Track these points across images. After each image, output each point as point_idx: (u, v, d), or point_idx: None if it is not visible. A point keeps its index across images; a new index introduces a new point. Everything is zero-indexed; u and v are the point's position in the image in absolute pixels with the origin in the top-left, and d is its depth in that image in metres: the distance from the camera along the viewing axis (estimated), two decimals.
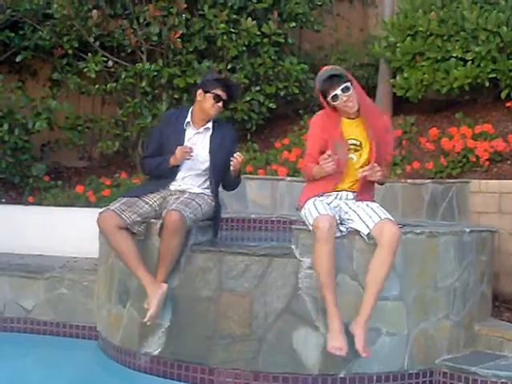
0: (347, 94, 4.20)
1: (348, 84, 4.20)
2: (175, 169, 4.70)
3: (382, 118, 4.39)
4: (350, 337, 4.04)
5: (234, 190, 4.99)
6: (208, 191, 4.73)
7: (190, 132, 4.77)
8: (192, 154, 4.59)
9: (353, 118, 4.33)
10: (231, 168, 4.58)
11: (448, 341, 4.48)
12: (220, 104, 4.72)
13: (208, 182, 4.75)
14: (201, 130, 4.77)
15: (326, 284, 3.99)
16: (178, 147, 4.59)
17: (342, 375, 4.20)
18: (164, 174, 4.72)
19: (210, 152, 4.72)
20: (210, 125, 4.78)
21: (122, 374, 4.62)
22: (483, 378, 4.15)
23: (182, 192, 4.66)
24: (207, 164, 4.70)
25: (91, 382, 4.60)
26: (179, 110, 4.96)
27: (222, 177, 4.75)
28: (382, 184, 4.43)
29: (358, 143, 4.30)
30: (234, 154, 4.56)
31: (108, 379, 4.65)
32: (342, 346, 3.97)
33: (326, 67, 4.35)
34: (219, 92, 4.71)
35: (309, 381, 4.20)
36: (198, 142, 4.75)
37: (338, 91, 4.19)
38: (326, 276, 3.98)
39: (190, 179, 4.73)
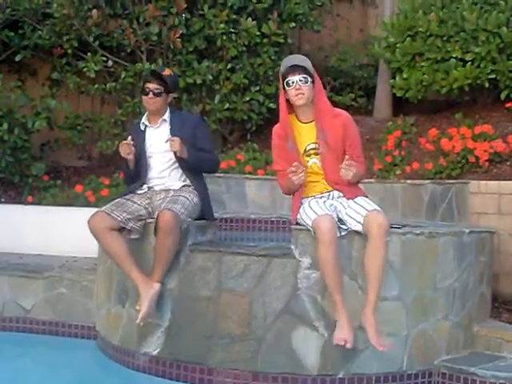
0: (302, 84, 4.17)
1: (308, 77, 4.19)
2: (141, 168, 4.75)
3: (337, 118, 4.30)
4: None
5: (212, 171, 4.96)
6: (188, 182, 4.74)
7: (149, 131, 4.83)
8: (132, 142, 4.61)
9: (308, 122, 4.31)
10: (172, 149, 4.59)
11: (447, 341, 4.48)
12: (150, 96, 4.72)
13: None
14: (157, 124, 4.81)
15: (333, 285, 3.99)
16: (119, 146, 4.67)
17: (340, 375, 4.19)
18: (133, 175, 4.78)
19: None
20: (166, 117, 4.81)
21: (120, 374, 4.61)
22: (482, 378, 4.15)
23: (167, 191, 4.68)
24: (172, 154, 4.69)
25: (90, 382, 4.59)
26: (139, 120, 5.02)
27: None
28: (357, 182, 4.38)
29: (316, 146, 4.30)
30: (168, 137, 4.60)
31: (107, 379, 4.64)
32: (348, 339, 3.97)
33: (297, 55, 4.40)
34: (147, 85, 4.74)
35: (308, 381, 4.19)
36: (156, 135, 4.78)
37: (295, 78, 4.18)
38: (333, 277, 3.98)
39: (168, 175, 4.75)
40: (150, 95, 4.72)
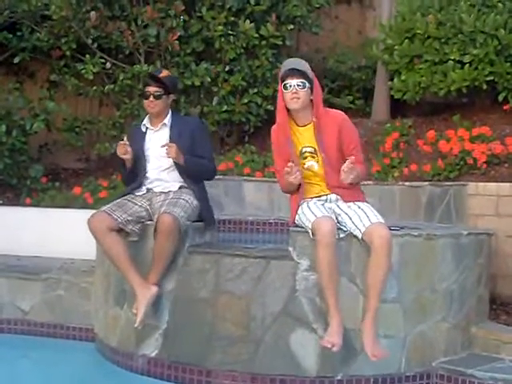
0: (299, 89, 4.19)
1: (305, 82, 4.20)
2: (140, 170, 4.76)
3: (333, 120, 4.31)
4: (346, 339, 4.04)
5: (208, 179, 4.96)
6: (186, 184, 4.75)
7: (149, 133, 4.84)
8: (127, 143, 4.62)
9: (304, 125, 4.32)
10: (168, 156, 4.59)
11: (445, 343, 4.49)
12: (150, 99, 4.73)
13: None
14: (157, 127, 4.81)
15: (329, 287, 4.00)
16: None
17: (339, 377, 4.20)
18: (129, 176, 4.80)
19: None
20: (166, 121, 4.82)
21: (118, 376, 4.61)
22: (480, 380, 4.16)
23: (166, 193, 4.68)
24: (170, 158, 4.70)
25: None
26: (140, 122, 5.02)
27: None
28: (358, 183, 4.38)
29: (312, 150, 4.31)
30: (165, 144, 4.60)
31: (105, 381, 4.63)
32: (336, 343, 3.96)
33: (297, 59, 4.40)
34: (147, 89, 4.76)
35: (306, 383, 4.20)
36: (156, 138, 4.78)
37: (293, 82, 4.19)
38: (328, 280, 3.99)
39: (167, 177, 4.75)
40: (151, 98, 4.73)
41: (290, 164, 4.10)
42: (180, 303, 4.45)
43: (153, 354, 4.51)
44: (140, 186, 4.77)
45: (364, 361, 4.13)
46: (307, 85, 4.20)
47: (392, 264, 4.10)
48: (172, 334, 4.45)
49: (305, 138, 4.32)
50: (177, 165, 4.67)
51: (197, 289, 4.39)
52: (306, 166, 4.31)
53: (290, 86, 4.19)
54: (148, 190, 4.75)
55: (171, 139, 4.69)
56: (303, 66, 4.26)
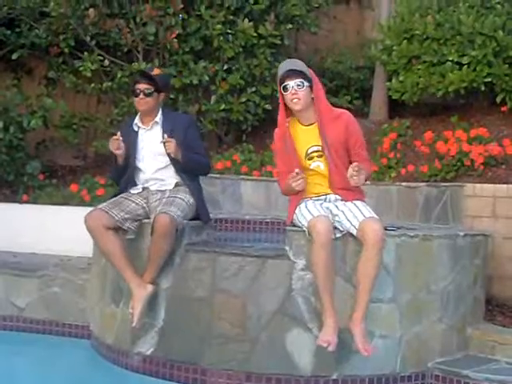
0: (298, 89, 4.18)
1: (304, 82, 4.19)
2: (134, 169, 4.75)
3: (339, 118, 4.29)
4: (342, 338, 4.05)
5: (204, 174, 4.98)
6: (181, 181, 4.73)
7: (141, 132, 4.81)
8: (121, 138, 4.59)
9: (309, 125, 4.31)
10: (167, 151, 4.58)
11: (441, 344, 4.49)
12: (141, 97, 4.71)
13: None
14: (149, 126, 4.79)
15: (324, 286, 3.99)
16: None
17: (334, 377, 4.20)
18: (120, 172, 4.78)
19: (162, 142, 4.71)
20: (158, 119, 4.79)
21: (114, 374, 4.61)
22: (475, 381, 4.15)
23: (163, 192, 4.67)
24: (165, 156, 4.68)
25: (83, 381, 4.58)
26: (132, 118, 4.98)
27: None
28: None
29: (319, 148, 4.29)
30: (163, 139, 4.58)
31: (100, 378, 4.63)
32: (331, 342, 3.96)
33: (294, 59, 4.38)
34: (137, 86, 4.73)
35: (301, 382, 4.20)
36: (149, 137, 4.76)
37: (291, 83, 4.18)
38: (324, 279, 3.98)
39: (163, 175, 4.74)
40: (141, 96, 4.71)
41: (297, 170, 4.06)
42: (176, 301, 4.45)
43: (148, 352, 4.50)
44: (134, 183, 4.76)
45: (359, 361, 4.13)
46: (306, 84, 4.20)
47: (385, 261, 4.10)
48: (168, 332, 4.45)
49: (310, 137, 4.30)
50: (173, 161, 4.66)
51: (193, 287, 4.39)
52: (311, 167, 4.30)
53: (290, 86, 4.19)
54: (144, 188, 4.75)
55: (164, 136, 4.68)
56: (300, 65, 4.25)
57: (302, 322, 4.20)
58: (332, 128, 4.24)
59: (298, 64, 4.27)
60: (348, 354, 4.15)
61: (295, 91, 4.18)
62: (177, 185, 4.70)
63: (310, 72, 4.26)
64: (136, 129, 4.81)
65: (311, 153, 4.30)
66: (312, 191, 4.32)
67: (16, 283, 5.43)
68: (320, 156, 4.29)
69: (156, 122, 4.78)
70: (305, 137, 4.32)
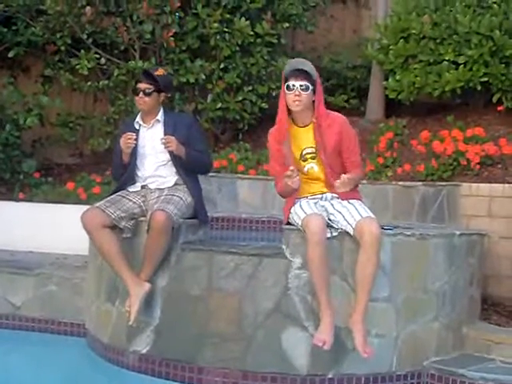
0: (301, 91, 4.16)
1: (308, 85, 4.17)
2: (134, 167, 4.73)
3: (334, 122, 4.29)
4: (338, 337, 4.05)
5: (205, 173, 4.99)
6: (181, 180, 4.73)
7: (142, 130, 4.81)
8: (134, 137, 4.58)
9: (304, 126, 4.31)
10: (168, 150, 4.59)
11: (436, 343, 4.49)
12: (140, 96, 4.72)
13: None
14: (150, 124, 4.80)
15: (319, 285, 3.99)
16: (121, 138, 4.63)
17: (330, 376, 4.20)
18: (123, 170, 4.76)
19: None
20: (159, 117, 4.80)
21: (109, 372, 4.61)
22: (471, 380, 4.16)
23: (161, 190, 4.67)
24: (166, 154, 4.68)
25: (79, 380, 4.59)
26: (133, 117, 5.00)
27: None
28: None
29: (313, 150, 4.29)
30: (163, 137, 4.59)
31: (96, 377, 4.64)
32: (327, 341, 3.96)
33: (303, 60, 4.33)
34: (138, 85, 4.75)
35: (297, 381, 4.20)
36: (150, 135, 4.76)
37: (296, 84, 4.16)
38: (319, 276, 3.98)
39: (162, 174, 4.73)
40: (141, 95, 4.71)
41: (291, 168, 4.05)
42: (172, 300, 4.45)
43: (144, 351, 4.50)
44: (134, 183, 4.76)
45: (355, 359, 4.13)
46: (310, 87, 4.17)
47: (382, 260, 4.10)
48: (164, 330, 4.45)
49: (305, 139, 4.29)
50: (175, 159, 4.65)
51: (189, 286, 4.39)
52: (305, 170, 4.30)
53: (294, 86, 4.17)
54: (143, 186, 4.74)
55: (166, 134, 4.68)
56: (308, 66, 4.22)
57: (298, 321, 4.20)
58: (328, 132, 4.24)
59: (305, 64, 4.24)
60: (344, 353, 4.16)
61: (299, 93, 4.16)
62: (176, 184, 4.70)
63: (316, 75, 4.24)
64: (137, 127, 4.81)
65: (305, 154, 4.30)
66: (308, 190, 4.32)
67: (12, 281, 5.43)
68: (313, 158, 4.29)
69: (157, 120, 4.79)
70: (299, 138, 4.31)
